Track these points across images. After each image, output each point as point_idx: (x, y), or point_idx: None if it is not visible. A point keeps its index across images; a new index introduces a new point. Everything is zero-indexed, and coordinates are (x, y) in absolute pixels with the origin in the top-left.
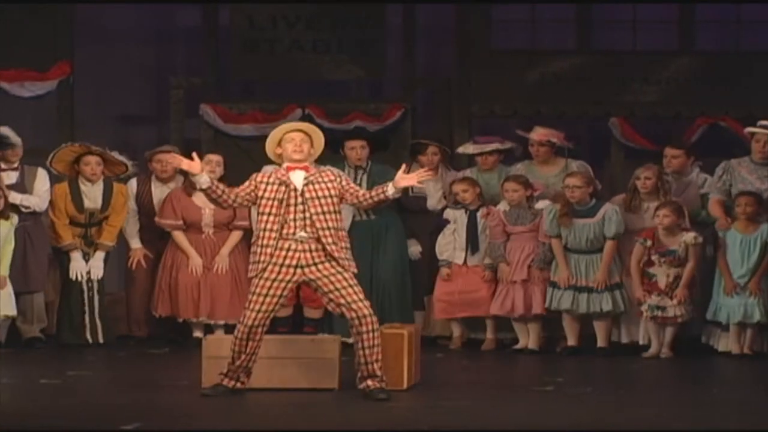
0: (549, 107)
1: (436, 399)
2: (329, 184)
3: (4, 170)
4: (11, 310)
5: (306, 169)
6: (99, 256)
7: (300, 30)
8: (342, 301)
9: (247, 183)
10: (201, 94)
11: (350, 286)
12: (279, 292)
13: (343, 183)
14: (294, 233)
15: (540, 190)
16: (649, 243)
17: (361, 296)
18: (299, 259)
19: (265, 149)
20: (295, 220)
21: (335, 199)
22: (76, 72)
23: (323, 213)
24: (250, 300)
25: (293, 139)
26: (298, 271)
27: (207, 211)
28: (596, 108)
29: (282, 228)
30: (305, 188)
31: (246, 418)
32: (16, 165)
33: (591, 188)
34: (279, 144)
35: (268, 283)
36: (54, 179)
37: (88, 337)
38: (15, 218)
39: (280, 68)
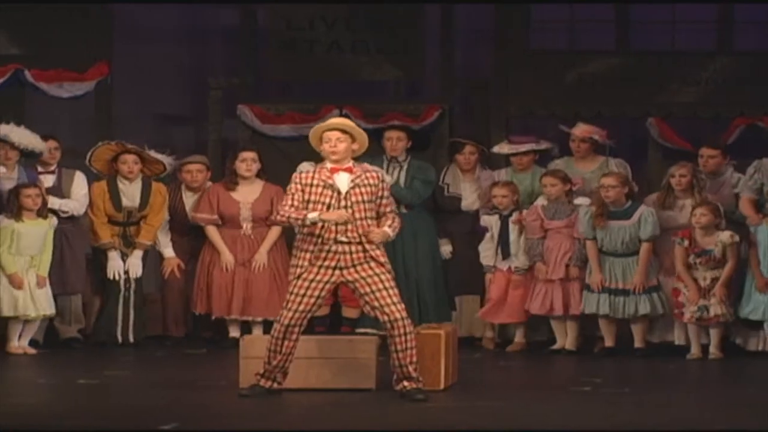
0: (587, 108)
1: (473, 399)
2: (372, 188)
3: (41, 173)
4: (50, 310)
5: (350, 170)
6: (137, 255)
7: (338, 30)
8: (376, 303)
9: (293, 186)
10: (239, 95)
11: (385, 288)
12: (317, 293)
13: (383, 192)
14: (335, 237)
15: (579, 185)
16: (686, 243)
17: (396, 299)
18: (338, 260)
19: (301, 149)
20: (337, 224)
21: (375, 204)
22: (115, 72)
23: (366, 218)
24: (288, 300)
25: (329, 139)
26: (337, 272)
27: (245, 205)
28: (634, 108)
29: (324, 232)
30: (350, 191)
31: (283, 418)
32: (53, 168)
33: (626, 189)
34: (321, 141)
35: (306, 284)
36: (92, 177)
37: (119, 336)
38: (54, 219)
39: (318, 69)
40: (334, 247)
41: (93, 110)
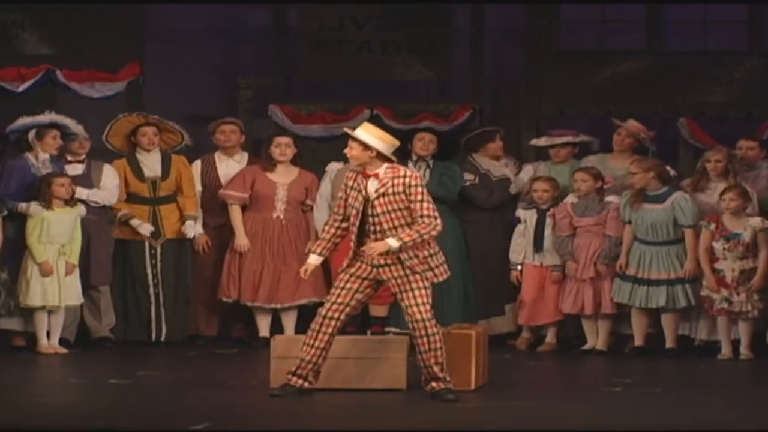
0: (618, 108)
1: (504, 400)
2: (400, 196)
3: (70, 162)
4: (77, 300)
5: (377, 176)
6: (190, 225)
7: (368, 31)
8: (403, 304)
9: (341, 192)
10: (270, 95)
11: (412, 289)
12: (355, 287)
13: (414, 197)
14: (367, 243)
15: (610, 183)
16: (712, 226)
17: (421, 300)
18: (373, 259)
19: (332, 149)
20: (367, 233)
21: (407, 211)
22: (146, 72)
23: (395, 227)
24: (331, 292)
25: (348, 144)
26: (374, 270)
27: (282, 186)
28: (665, 108)
29: (359, 237)
30: (376, 201)
31: (314, 418)
32: (82, 158)
33: (652, 174)
34: None
35: (347, 277)
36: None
37: (153, 334)
38: (81, 208)
39: (349, 69)
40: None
41: (124, 110)
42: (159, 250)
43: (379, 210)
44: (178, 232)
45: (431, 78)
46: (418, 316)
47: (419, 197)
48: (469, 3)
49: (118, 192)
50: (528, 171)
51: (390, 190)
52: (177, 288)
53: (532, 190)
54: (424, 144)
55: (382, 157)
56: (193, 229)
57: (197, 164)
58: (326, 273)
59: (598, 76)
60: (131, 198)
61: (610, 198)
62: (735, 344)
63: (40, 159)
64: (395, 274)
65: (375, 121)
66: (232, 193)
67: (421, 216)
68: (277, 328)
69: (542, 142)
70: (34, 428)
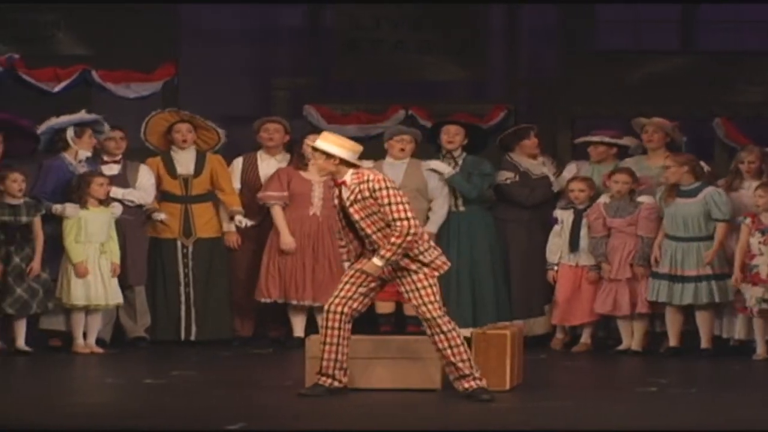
0: (652, 108)
1: (539, 400)
2: (369, 201)
3: (106, 162)
4: (119, 299)
5: (345, 184)
6: (240, 219)
7: (403, 31)
8: (413, 303)
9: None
10: (304, 95)
11: (418, 289)
12: (359, 281)
13: (378, 201)
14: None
15: (646, 186)
16: (749, 221)
17: (428, 299)
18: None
19: (368, 149)
20: (360, 238)
21: (382, 213)
22: (181, 73)
23: (379, 230)
24: (337, 287)
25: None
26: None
27: (317, 183)
28: (700, 108)
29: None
30: (351, 209)
31: (349, 418)
32: (118, 158)
33: (685, 168)
34: None
35: (351, 272)
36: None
37: (183, 334)
38: (116, 207)
39: (384, 69)
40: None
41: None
42: (191, 248)
43: (356, 216)
44: (210, 231)
45: (466, 78)
46: (428, 315)
47: (386, 200)
48: (504, 3)
49: (153, 192)
50: (571, 170)
51: (359, 196)
52: (210, 288)
53: (569, 190)
54: (448, 137)
55: (346, 163)
56: (243, 222)
57: (238, 162)
58: None
59: (633, 76)
60: (164, 196)
61: (642, 198)
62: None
63: (78, 158)
64: (399, 273)
65: (409, 121)
66: (271, 194)
67: (393, 220)
68: (311, 325)
69: (579, 139)
70: (70, 428)
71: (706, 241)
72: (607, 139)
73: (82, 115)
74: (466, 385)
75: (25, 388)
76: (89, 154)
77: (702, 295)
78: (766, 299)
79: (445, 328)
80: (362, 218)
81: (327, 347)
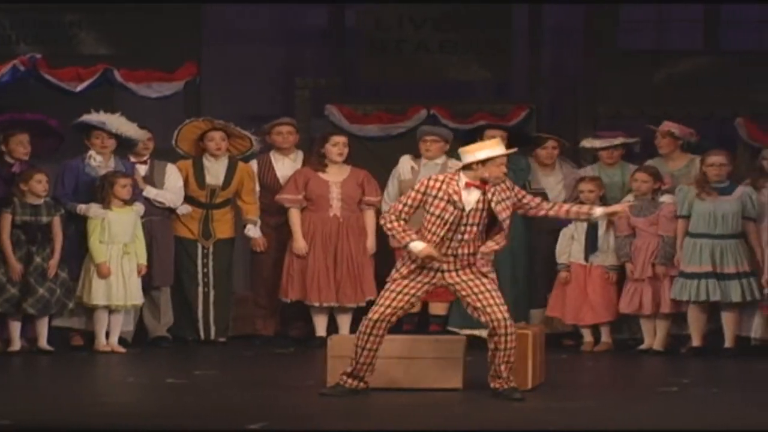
0: (676, 108)
1: (560, 399)
2: (507, 202)
3: (133, 163)
4: (139, 300)
5: (482, 187)
6: (249, 228)
7: (426, 31)
8: (478, 305)
9: (413, 194)
10: (327, 95)
11: (487, 291)
12: (413, 291)
13: (518, 197)
14: (447, 253)
15: (668, 185)
16: None
17: (498, 300)
18: (440, 265)
19: (390, 149)
20: (452, 240)
21: (508, 212)
22: (203, 72)
23: (479, 239)
24: (382, 295)
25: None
26: (438, 274)
27: (335, 184)
28: (723, 108)
29: (436, 246)
30: (473, 212)
31: (371, 418)
32: (146, 158)
33: (730, 167)
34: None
35: (405, 281)
36: (176, 158)
37: (201, 333)
38: (140, 206)
39: (406, 69)
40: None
41: (182, 110)
42: (211, 249)
43: (473, 221)
44: (227, 232)
45: (488, 78)
46: (500, 315)
47: (522, 192)
48: (528, 3)
49: (182, 194)
50: (571, 171)
51: (496, 198)
52: (225, 287)
53: (578, 191)
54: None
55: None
56: (255, 231)
57: (253, 165)
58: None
59: (656, 76)
60: (187, 200)
61: (663, 198)
62: None
63: (92, 158)
64: (464, 277)
65: (431, 120)
66: (286, 196)
67: (535, 198)
68: (332, 326)
69: (597, 143)
70: (92, 427)
71: (741, 239)
72: (626, 140)
73: (92, 117)
74: (497, 384)
75: (47, 388)
76: (96, 154)
77: (746, 292)
78: None
79: (509, 330)
80: (479, 224)
81: (365, 352)
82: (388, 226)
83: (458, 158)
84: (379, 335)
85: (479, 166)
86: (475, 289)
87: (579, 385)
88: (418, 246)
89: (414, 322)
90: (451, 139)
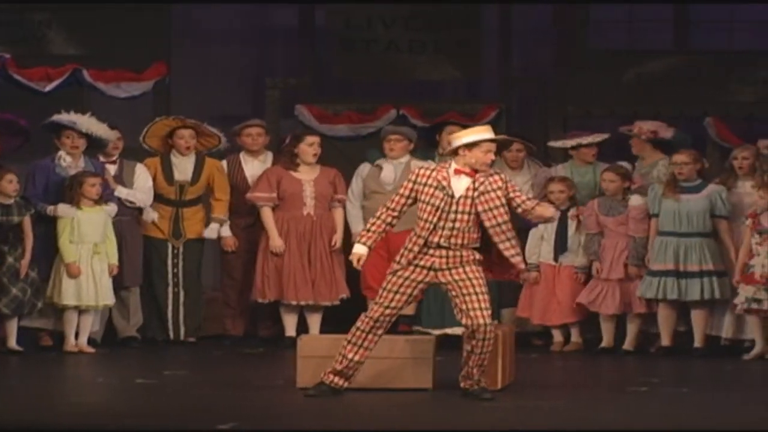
0: (645, 107)
1: (530, 399)
2: (498, 192)
3: (103, 162)
4: (110, 300)
5: (471, 175)
6: (214, 228)
7: (396, 30)
8: (463, 307)
9: (405, 184)
10: (296, 95)
11: (475, 293)
12: (409, 291)
13: (511, 192)
14: (438, 242)
15: (638, 184)
16: (749, 221)
17: (483, 305)
18: (434, 262)
19: (359, 149)
20: (443, 228)
21: (500, 210)
22: (173, 72)
23: (473, 228)
24: (381, 295)
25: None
26: (431, 273)
27: (308, 183)
28: (692, 108)
29: (430, 235)
30: (463, 199)
31: (341, 417)
32: (115, 158)
33: (698, 165)
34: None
35: (401, 281)
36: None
37: (171, 333)
38: (112, 206)
39: (376, 68)
40: (431, 251)
41: (151, 111)
42: (181, 249)
43: (468, 209)
44: (198, 233)
45: (458, 78)
46: (481, 321)
47: (516, 187)
48: (497, 2)
49: (152, 194)
50: (541, 172)
51: (487, 188)
52: (197, 288)
53: (548, 192)
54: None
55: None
56: (215, 232)
57: (223, 165)
58: (353, 276)
59: (626, 75)
60: (156, 198)
61: (632, 198)
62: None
63: (62, 158)
64: (456, 277)
65: (401, 120)
66: (259, 195)
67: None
68: (301, 325)
69: (570, 143)
70: (62, 428)
71: (707, 238)
72: (599, 139)
73: (62, 117)
74: (468, 385)
75: (16, 388)
76: (65, 154)
77: (706, 291)
78: (756, 299)
79: (488, 336)
80: (472, 213)
81: (360, 350)
82: (379, 213)
83: (421, 158)
84: (378, 334)
85: (466, 151)
86: (464, 290)
87: (548, 385)
88: (358, 249)
89: None
90: (415, 138)
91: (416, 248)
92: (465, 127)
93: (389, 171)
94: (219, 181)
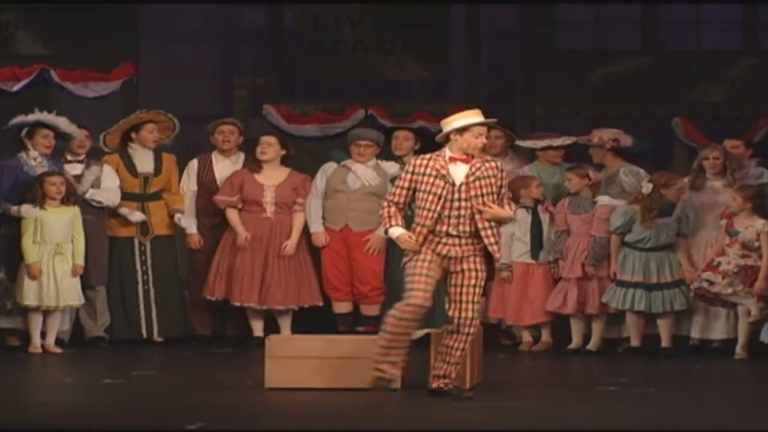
0: (613, 107)
1: (499, 399)
2: (491, 179)
3: (69, 162)
4: (78, 301)
5: (468, 161)
6: (180, 217)
7: (364, 30)
8: (455, 297)
9: (402, 176)
10: (264, 95)
11: (471, 286)
12: (435, 275)
13: (502, 182)
14: (447, 231)
15: (597, 179)
16: (724, 222)
17: (475, 299)
18: (448, 250)
19: (328, 149)
20: (449, 217)
21: (490, 197)
22: (140, 72)
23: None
24: (413, 280)
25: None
26: (446, 260)
27: (269, 188)
28: (660, 108)
29: (436, 224)
30: (465, 184)
31: (310, 418)
32: (82, 157)
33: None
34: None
35: (427, 264)
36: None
37: (144, 331)
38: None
39: (344, 69)
40: (444, 239)
41: (119, 110)
42: (148, 246)
43: (473, 193)
44: (166, 228)
45: (426, 78)
46: (469, 314)
47: (505, 183)
48: (465, 3)
49: (119, 192)
50: (526, 171)
51: (483, 173)
52: (168, 285)
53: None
54: (397, 143)
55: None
56: (186, 221)
57: (194, 163)
58: (319, 277)
59: (594, 75)
60: (122, 195)
61: (603, 200)
62: (732, 344)
63: (31, 158)
64: (465, 266)
65: (369, 121)
66: (222, 198)
67: (507, 200)
68: (271, 327)
69: (540, 144)
70: (28, 428)
71: (673, 252)
72: (568, 141)
73: (40, 116)
74: (442, 384)
75: None
76: (45, 154)
77: (675, 302)
78: (709, 280)
79: (470, 330)
80: (477, 195)
81: (404, 337)
82: (380, 212)
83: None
84: (418, 320)
85: (457, 136)
86: (466, 281)
87: (517, 385)
88: (396, 231)
89: (349, 322)
90: (383, 141)
91: (421, 238)
92: (409, 131)
93: (360, 172)
94: (173, 174)
